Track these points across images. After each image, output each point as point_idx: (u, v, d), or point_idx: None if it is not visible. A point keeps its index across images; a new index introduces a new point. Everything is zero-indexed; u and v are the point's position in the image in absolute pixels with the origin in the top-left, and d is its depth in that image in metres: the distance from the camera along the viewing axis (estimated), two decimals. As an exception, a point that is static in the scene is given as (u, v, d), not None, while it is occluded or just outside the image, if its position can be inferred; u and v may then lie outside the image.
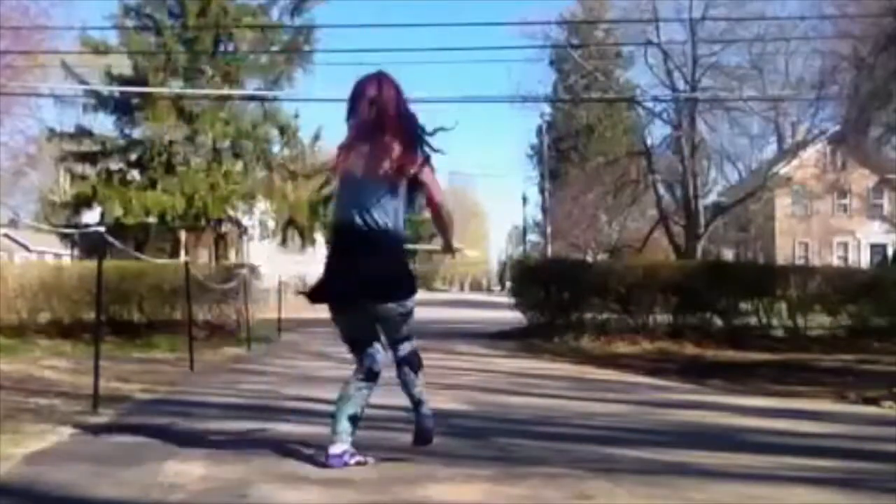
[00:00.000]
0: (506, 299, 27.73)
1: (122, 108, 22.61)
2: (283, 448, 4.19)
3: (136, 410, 5.64)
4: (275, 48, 23.65)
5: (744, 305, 13.37)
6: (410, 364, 3.84)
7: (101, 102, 22.62)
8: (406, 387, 3.86)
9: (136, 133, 22.68)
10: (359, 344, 3.89)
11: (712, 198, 31.32)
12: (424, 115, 3.96)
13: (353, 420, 3.77)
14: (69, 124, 23.71)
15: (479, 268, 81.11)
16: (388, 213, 3.72)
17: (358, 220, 3.72)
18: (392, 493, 3.40)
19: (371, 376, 3.84)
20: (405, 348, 3.86)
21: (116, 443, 4.42)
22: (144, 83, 21.50)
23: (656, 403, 6.43)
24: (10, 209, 36.50)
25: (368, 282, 3.68)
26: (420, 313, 4.05)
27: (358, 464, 3.73)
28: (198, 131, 22.24)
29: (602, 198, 32.86)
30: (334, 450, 3.71)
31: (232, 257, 24.09)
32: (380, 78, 3.89)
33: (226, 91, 22.55)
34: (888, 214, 38.39)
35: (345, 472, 3.70)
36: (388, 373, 3.92)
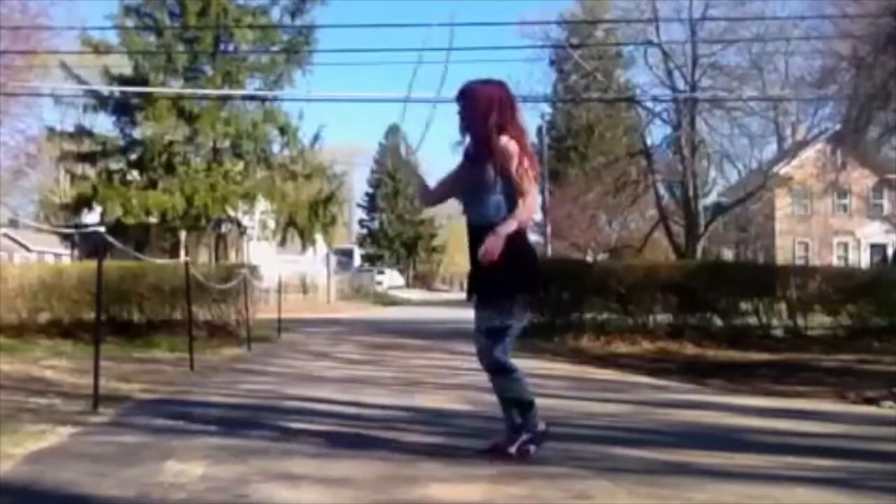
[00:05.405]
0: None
1: (122, 108, 22.61)
2: (283, 448, 4.19)
3: (136, 410, 5.63)
4: (275, 48, 23.66)
5: (744, 305, 13.34)
6: None
7: (101, 102, 22.63)
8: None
9: (136, 133, 22.69)
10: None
11: (712, 198, 31.31)
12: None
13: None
14: (69, 124, 23.78)
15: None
16: None
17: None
18: (392, 493, 3.40)
19: None
20: None
21: (116, 443, 4.41)
22: (144, 83, 21.50)
23: (656, 403, 6.42)
24: (10, 209, 36.51)
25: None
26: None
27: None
28: (198, 131, 22.23)
29: (602, 198, 32.86)
30: None
31: (232, 257, 24.07)
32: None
33: (226, 91, 22.55)
34: (888, 214, 38.34)
35: (345, 471, 3.70)
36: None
